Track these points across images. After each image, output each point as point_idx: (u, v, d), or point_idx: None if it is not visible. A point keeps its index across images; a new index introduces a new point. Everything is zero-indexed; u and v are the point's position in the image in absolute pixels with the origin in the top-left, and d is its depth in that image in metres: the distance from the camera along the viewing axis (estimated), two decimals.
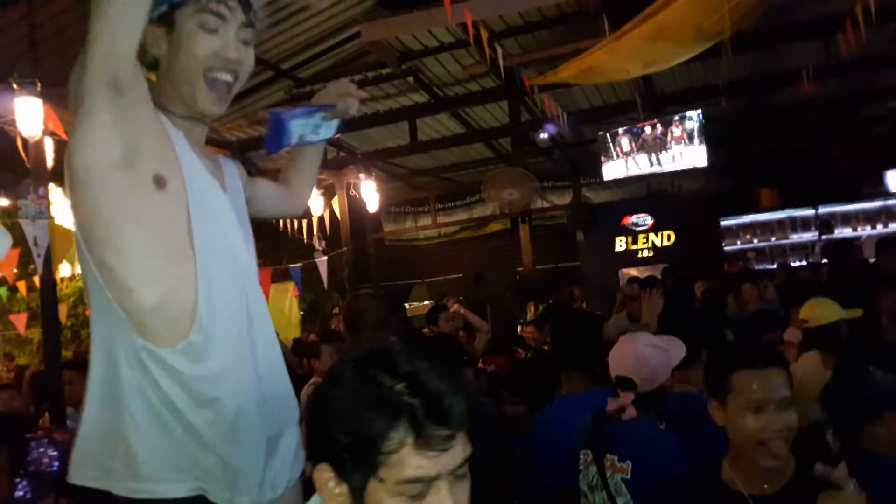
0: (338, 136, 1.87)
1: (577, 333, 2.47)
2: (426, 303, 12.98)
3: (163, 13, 1.37)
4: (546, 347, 4.82)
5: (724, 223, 9.56)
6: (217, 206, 1.45)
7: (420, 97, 8.19)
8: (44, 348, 4.81)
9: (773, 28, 6.61)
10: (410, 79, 7.62)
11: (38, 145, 4.53)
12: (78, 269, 8.53)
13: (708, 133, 7.97)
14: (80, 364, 4.59)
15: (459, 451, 0.87)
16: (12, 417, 3.95)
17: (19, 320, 8.74)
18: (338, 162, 8.78)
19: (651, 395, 2.16)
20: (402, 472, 0.84)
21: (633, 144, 8.20)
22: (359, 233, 9.63)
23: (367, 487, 0.86)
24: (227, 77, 1.45)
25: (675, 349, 2.26)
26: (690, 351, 2.33)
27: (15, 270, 7.46)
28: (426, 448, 0.84)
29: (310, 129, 1.71)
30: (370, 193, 8.46)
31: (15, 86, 4.27)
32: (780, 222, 9.51)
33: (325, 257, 8.12)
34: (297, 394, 1.62)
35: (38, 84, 4.34)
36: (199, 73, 1.41)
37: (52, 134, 4.61)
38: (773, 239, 9.56)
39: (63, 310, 8.26)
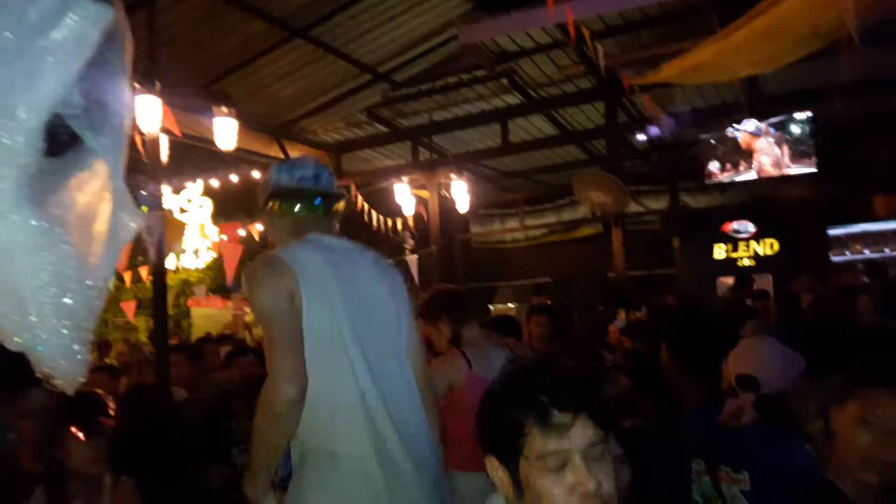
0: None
1: (705, 341, 2.27)
2: (510, 305, 12.92)
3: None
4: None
5: (832, 232, 9.03)
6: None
7: (513, 98, 8.14)
8: (154, 334, 5.08)
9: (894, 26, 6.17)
10: (504, 80, 7.59)
11: (155, 142, 4.78)
12: (181, 262, 8.98)
13: (818, 137, 7.55)
14: (184, 349, 4.94)
15: (589, 432, 1.07)
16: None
17: (129, 308, 9.25)
18: (430, 163, 8.86)
19: (774, 398, 2.02)
20: (538, 449, 1.08)
21: (737, 148, 7.87)
22: (447, 233, 9.65)
23: (519, 466, 1.10)
24: None
25: (798, 356, 2.16)
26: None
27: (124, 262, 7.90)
28: (551, 429, 1.07)
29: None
30: (461, 194, 8.47)
31: (136, 85, 4.52)
32: (895, 232, 8.90)
33: (415, 256, 8.20)
34: None
35: (157, 84, 4.58)
36: None
37: (168, 131, 4.85)
38: (886, 250, 8.95)
39: (168, 299, 8.69)
